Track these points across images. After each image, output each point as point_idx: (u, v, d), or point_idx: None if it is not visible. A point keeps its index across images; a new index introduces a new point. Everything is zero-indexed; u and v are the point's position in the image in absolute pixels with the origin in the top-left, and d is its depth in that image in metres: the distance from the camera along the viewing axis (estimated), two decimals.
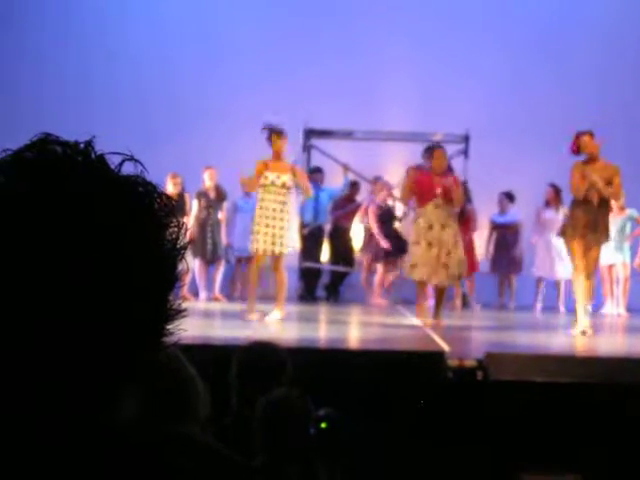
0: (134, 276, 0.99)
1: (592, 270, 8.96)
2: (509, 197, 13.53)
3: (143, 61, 14.93)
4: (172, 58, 14.94)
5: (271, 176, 9.26)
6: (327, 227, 13.92)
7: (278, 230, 9.25)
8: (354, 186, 13.94)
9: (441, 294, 9.65)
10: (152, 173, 1.06)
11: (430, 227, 9.31)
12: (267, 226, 9.23)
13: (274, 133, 9.33)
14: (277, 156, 9.36)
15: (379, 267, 13.14)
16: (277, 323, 8.99)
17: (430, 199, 9.35)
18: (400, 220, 13.27)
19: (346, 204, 13.77)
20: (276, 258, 9.32)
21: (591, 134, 8.93)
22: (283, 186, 9.28)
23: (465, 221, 12.77)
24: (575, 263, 8.91)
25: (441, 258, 9.31)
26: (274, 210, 9.25)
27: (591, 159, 8.89)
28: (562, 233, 9.10)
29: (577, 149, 8.95)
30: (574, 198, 8.97)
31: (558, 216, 12.61)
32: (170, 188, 11.68)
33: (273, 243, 9.22)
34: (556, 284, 13.19)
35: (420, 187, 9.41)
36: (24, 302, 0.94)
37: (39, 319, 0.95)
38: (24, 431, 0.96)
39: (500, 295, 13.64)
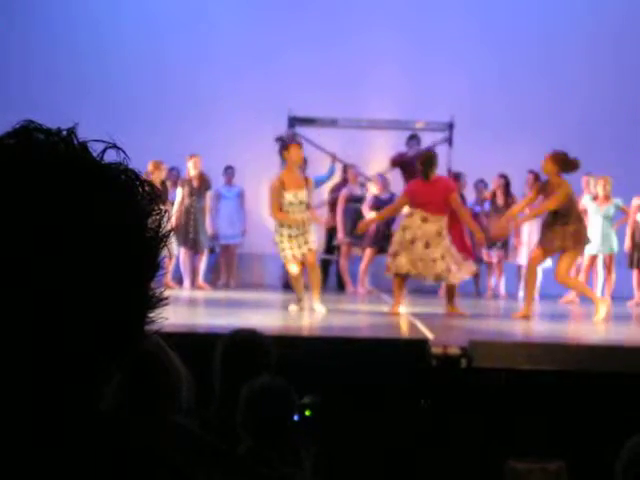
0: (116, 264, 0.99)
1: None
2: (484, 184, 13.53)
3: (132, 49, 14.85)
4: (159, 44, 14.87)
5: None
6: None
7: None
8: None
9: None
10: (138, 161, 1.06)
11: None
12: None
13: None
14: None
15: (367, 254, 13.01)
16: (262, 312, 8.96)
17: None
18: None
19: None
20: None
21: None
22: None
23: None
24: None
25: None
26: None
27: None
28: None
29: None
30: None
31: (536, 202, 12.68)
32: (153, 175, 11.65)
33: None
34: (518, 269, 13.14)
35: None
36: (9, 291, 0.94)
37: (21, 313, 0.94)
38: None
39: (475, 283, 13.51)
